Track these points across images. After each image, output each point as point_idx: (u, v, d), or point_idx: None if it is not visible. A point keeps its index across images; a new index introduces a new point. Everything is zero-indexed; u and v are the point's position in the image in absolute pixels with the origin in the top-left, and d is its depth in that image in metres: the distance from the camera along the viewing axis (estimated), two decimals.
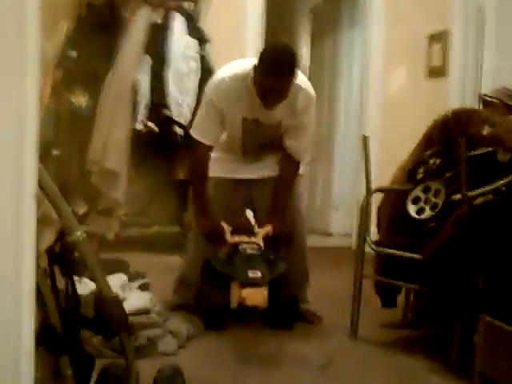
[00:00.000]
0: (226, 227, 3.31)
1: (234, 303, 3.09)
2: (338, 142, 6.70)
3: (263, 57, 3.02)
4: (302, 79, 3.17)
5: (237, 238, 3.28)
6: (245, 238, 3.28)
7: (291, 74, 3.01)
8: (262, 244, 3.26)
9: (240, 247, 3.20)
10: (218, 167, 3.35)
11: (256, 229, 3.35)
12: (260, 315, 3.26)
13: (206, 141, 3.23)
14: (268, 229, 3.31)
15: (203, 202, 3.33)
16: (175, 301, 3.42)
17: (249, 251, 3.19)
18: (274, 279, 3.19)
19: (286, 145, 3.31)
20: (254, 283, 3.07)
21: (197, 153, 3.31)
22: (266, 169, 3.41)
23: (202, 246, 3.37)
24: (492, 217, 2.63)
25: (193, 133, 3.29)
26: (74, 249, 1.50)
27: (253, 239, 3.27)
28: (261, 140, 3.31)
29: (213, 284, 3.24)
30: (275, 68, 2.98)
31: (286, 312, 3.23)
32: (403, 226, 3.17)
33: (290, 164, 3.36)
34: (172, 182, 5.05)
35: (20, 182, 1.13)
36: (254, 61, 3.09)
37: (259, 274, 3.08)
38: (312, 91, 3.25)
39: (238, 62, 3.26)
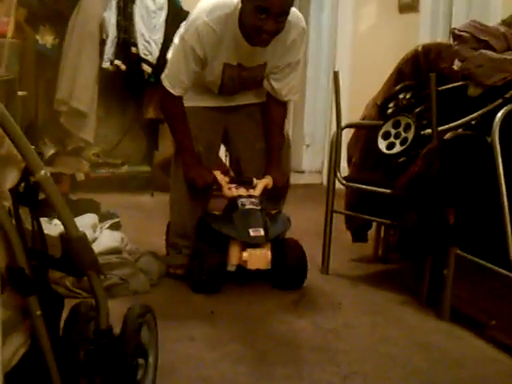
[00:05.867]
0: (222, 178, 2.94)
1: (232, 266, 2.79)
2: (309, 80, 6.63)
3: None
4: (291, 10, 2.69)
5: (235, 192, 2.89)
6: (243, 191, 2.89)
7: (289, 4, 2.62)
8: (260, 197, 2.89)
9: (238, 201, 2.83)
10: (190, 97, 2.92)
11: (254, 180, 2.95)
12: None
13: (177, 92, 2.83)
14: (267, 180, 2.96)
15: (192, 154, 2.94)
16: (171, 261, 3.07)
17: (248, 206, 2.82)
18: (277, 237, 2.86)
19: (273, 88, 2.95)
20: (256, 243, 2.74)
21: (170, 104, 2.91)
22: (240, 99, 3.05)
23: (193, 201, 3.00)
24: (462, 151, 2.64)
25: (164, 81, 2.84)
26: (38, 188, 1.47)
27: (251, 192, 2.89)
28: (241, 84, 2.94)
29: (208, 245, 2.88)
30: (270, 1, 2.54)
31: (295, 271, 2.90)
32: (373, 161, 3.18)
33: (278, 108, 3.04)
34: (141, 120, 5.02)
35: None
36: None
37: (262, 233, 2.74)
38: (303, 23, 2.85)
39: None
